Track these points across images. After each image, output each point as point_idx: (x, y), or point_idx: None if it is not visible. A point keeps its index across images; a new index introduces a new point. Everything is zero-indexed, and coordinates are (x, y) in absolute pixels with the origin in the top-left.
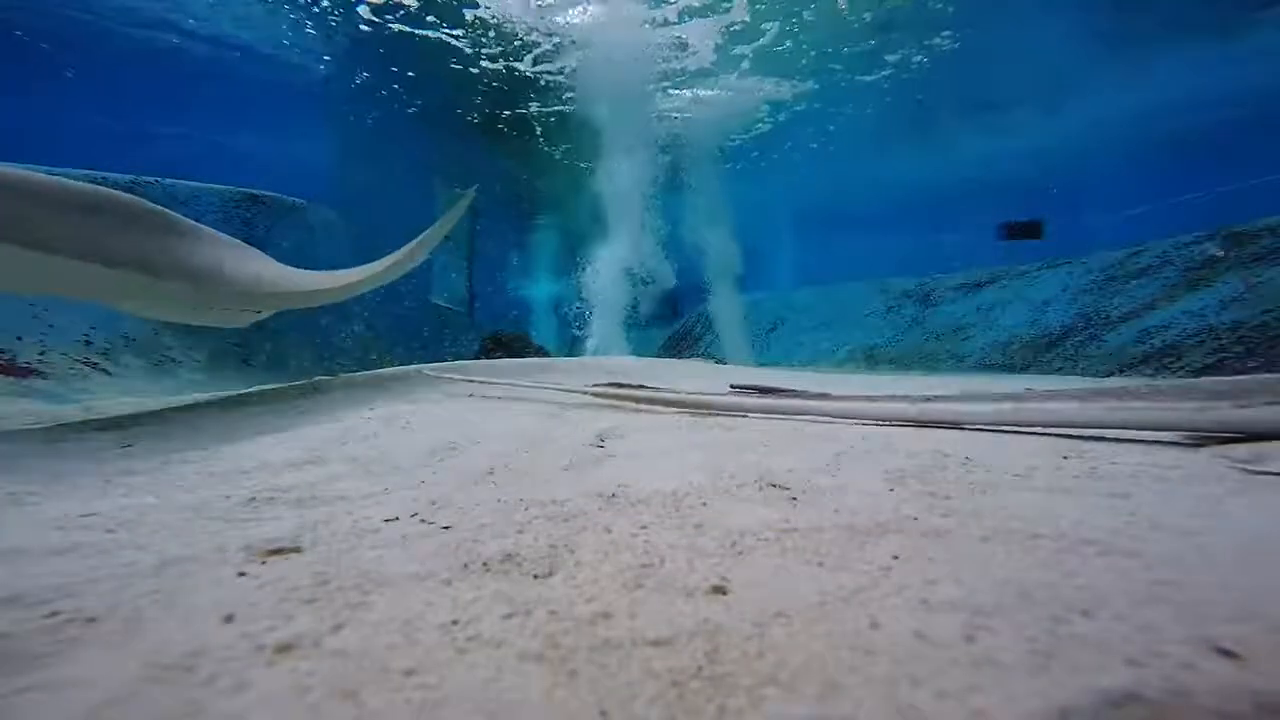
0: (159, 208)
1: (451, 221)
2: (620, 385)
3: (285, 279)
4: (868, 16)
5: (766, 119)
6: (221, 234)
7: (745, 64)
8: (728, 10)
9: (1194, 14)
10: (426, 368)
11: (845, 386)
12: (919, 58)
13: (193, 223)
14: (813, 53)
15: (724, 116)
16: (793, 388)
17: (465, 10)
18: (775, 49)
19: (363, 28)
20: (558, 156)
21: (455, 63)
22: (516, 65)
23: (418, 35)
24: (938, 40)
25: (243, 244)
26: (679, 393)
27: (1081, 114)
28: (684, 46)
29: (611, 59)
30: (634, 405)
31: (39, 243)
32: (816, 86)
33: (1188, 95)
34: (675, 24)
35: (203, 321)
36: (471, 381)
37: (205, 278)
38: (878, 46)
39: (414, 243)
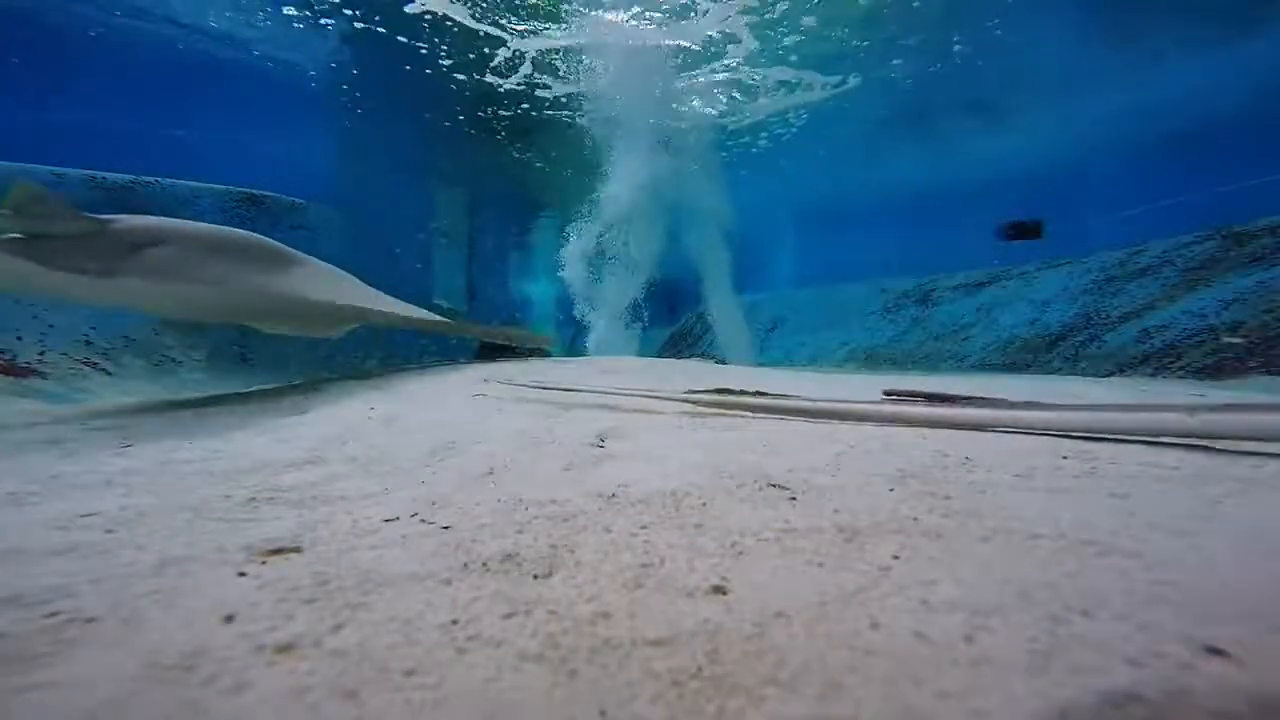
0: (281, 246)
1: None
2: (728, 391)
3: (371, 301)
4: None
5: (772, 117)
6: (323, 263)
7: (751, 58)
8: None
9: (1196, 14)
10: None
11: (1021, 391)
12: (930, 57)
13: (304, 255)
14: (824, 49)
15: (727, 114)
16: (966, 394)
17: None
18: (786, 43)
19: (356, 25)
20: (547, 159)
21: (443, 68)
22: (503, 72)
23: (404, 38)
24: (942, 43)
25: (340, 271)
26: (810, 401)
27: (1082, 114)
28: (694, 39)
29: (611, 57)
30: (747, 414)
31: (204, 280)
32: (824, 85)
33: (1188, 95)
34: (684, 20)
35: (301, 333)
36: (485, 382)
37: (316, 300)
38: (887, 47)
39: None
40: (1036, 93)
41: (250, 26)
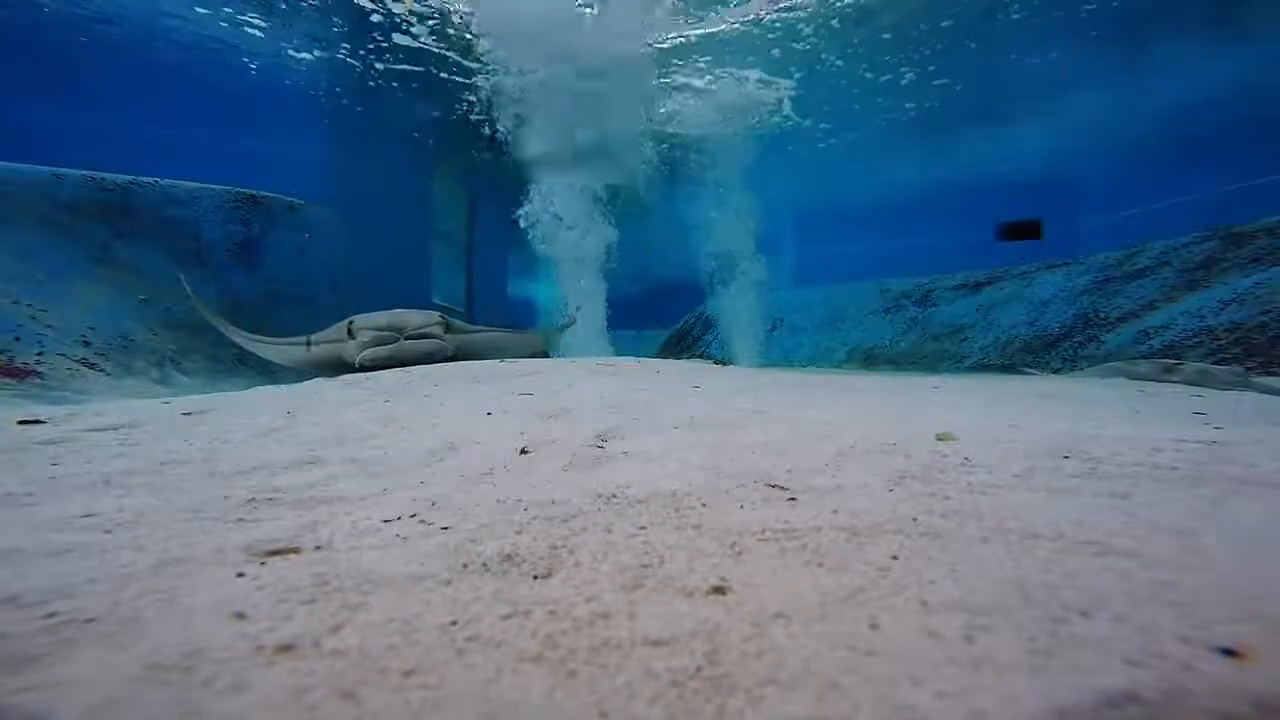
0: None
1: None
2: None
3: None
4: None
5: (773, 114)
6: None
7: (749, 56)
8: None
9: (1196, 13)
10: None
11: None
12: (930, 66)
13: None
14: (823, 46)
15: (727, 110)
16: None
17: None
18: (788, 41)
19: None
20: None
21: (438, 70)
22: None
23: (404, 42)
24: (942, 46)
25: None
26: None
27: (1082, 113)
28: (687, 32)
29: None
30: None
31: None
32: (825, 81)
33: (1188, 95)
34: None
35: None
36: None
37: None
38: (892, 59)
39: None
40: (1032, 92)
41: (251, 29)
